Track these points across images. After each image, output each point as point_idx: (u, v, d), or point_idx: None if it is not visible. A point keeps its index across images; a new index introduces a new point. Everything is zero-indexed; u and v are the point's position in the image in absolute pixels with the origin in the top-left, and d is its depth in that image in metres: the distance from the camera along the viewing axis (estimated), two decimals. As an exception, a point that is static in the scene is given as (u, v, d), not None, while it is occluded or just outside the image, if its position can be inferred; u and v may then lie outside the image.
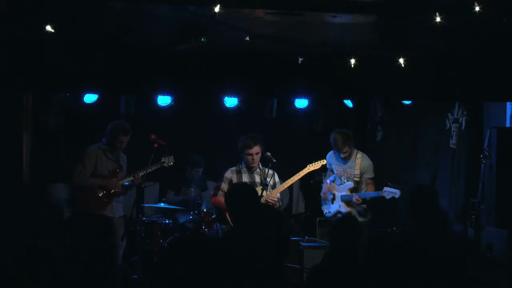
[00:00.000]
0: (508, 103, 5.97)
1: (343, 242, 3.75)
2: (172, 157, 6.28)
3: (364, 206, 6.32)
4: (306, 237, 7.18)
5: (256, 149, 5.76)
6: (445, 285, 3.68)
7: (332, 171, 6.62)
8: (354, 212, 6.32)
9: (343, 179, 6.44)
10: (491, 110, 6.31)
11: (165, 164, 6.25)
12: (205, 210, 7.02)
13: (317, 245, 6.88)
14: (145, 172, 6.05)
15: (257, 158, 5.76)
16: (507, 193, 5.41)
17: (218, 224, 6.89)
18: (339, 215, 6.28)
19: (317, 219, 7.50)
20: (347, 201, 6.35)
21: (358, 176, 6.30)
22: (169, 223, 6.82)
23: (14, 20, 4.47)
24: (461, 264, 3.79)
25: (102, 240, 2.99)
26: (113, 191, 6.00)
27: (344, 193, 6.37)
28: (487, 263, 5.23)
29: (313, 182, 7.82)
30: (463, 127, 6.56)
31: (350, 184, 6.34)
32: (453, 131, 6.73)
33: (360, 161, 6.31)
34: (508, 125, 5.96)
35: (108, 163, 6.06)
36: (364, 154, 6.40)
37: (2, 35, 4.70)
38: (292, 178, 6.07)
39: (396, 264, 3.73)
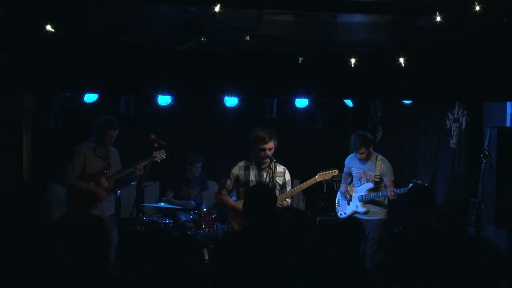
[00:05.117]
0: (508, 103, 5.97)
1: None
2: (163, 151, 6.16)
3: (385, 204, 6.42)
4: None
5: (270, 144, 5.36)
6: (442, 283, 3.69)
7: (348, 174, 6.69)
8: (372, 211, 6.43)
9: (363, 181, 6.53)
10: (491, 110, 6.31)
11: (156, 159, 6.12)
12: (205, 209, 7.04)
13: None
14: (145, 163, 6.00)
15: (270, 153, 5.38)
16: (507, 193, 5.40)
17: (219, 224, 6.90)
18: (357, 215, 6.39)
19: (317, 218, 7.51)
20: (365, 200, 6.45)
21: (378, 177, 6.40)
22: (169, 222, 6.83)
23: (14, 20, 4.47)
24: (459, 262, 3.79)
25: (93, 239, 3.00)
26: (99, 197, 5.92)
27: (362, 194, 6.48)
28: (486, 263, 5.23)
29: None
30: (463, 127, 6.56)
31: (370, 184, 6.45)
32: (453, 130, 6.73)
33: (380, 163, 6.43)
34: (508, 124, 5.96)
35: (97, 162, 5.98)
36: (383, 158, 6.51)
37: (2, 35, 4.70)
38: (300, 186, 5.81)
39: (397, 262, 3.74)
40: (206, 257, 6.38)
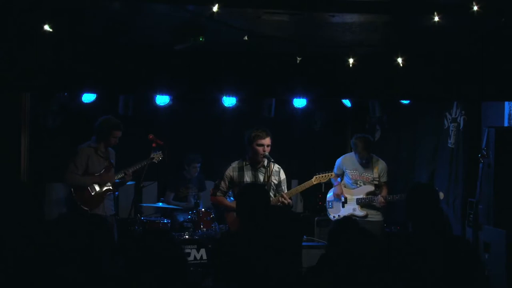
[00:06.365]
0: (506, 103, 5.98)
1: (342, 244, 3.69)
2: (160, 152, 6.27)
3: (380, 207, 6.39)
4: (305, 237, 7.18)
5: (268, 140, 5.41)
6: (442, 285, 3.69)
7: (338, 175, 6.61)
8: (370, 214, 6.41)
9: (359, 183, 6.46)
10: (489, 110, 6.32)
11: (154, 160, 6.23)
12: (203, 209, 7.03)
13: (315, 244, 6.89)
14: (135, 168, 6.07)
15: (268, 150, 5.41)
16: (504, 193, 5.42)
17: (217, 224, 6.90)
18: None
19: (315, 218, 7.50)
20: (363, 203, 6.40)
21: (377, 179, 6.36)
22: (167, 222, 6.83)
23: (13, 19, 4.46)
24: (459, 265, 3.78)
25: (97, 239, 2.99)
26: (106, 187, 5.99)
27: (360, 196, 6.41)
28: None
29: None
30: (461, 127, 6.56)
31: (369, 187, 6.39)
32: (451, 130, 6.73)
33: (377, 164, 6.39)
34: (506, 124, 5.98)
35: (100, 161, 6.03)
36: (379, 158, 6.48)
37: (1, 35, 4.69)
38: (296, 189, 5.86)
39: (395, 264, 3.73)
40: (205, 257, 6.41)
